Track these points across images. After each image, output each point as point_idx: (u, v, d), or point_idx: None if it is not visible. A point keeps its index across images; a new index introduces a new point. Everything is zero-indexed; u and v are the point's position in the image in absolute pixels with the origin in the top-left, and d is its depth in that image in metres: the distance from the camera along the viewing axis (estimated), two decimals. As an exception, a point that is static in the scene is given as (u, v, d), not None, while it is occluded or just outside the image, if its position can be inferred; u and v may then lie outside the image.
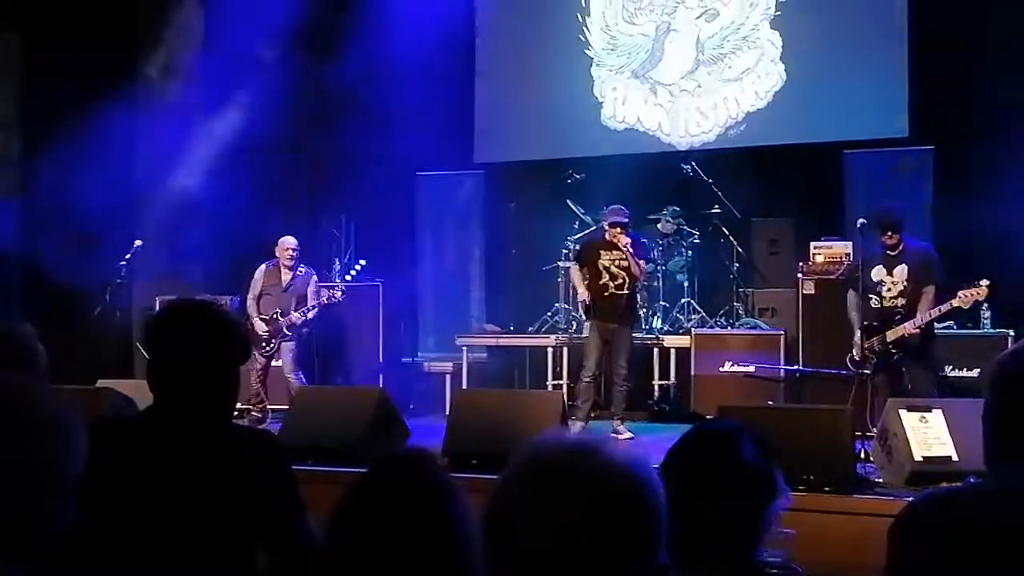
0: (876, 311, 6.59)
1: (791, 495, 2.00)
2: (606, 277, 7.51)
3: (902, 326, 6.47)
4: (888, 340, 6.51)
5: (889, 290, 6.60)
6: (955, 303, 6.36)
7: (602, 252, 7.56)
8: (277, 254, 8.23)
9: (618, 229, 7.47)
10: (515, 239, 10.04)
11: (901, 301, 6.57)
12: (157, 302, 8.64)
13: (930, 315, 6.44)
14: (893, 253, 6.64)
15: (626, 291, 7.51)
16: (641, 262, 7.55)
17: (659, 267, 9.18)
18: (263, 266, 8.29)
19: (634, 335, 7.85)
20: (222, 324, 2.39)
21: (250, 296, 8.23)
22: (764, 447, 1.94)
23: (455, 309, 10.36)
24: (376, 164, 9.57)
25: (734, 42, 9.92)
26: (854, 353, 6.63)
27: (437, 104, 9.54)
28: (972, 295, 6.30)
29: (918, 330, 6.44)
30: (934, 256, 6.71)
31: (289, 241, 8.23)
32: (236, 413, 8.12)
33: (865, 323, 6.62)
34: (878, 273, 6.64)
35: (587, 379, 7.50)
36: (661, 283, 9.20)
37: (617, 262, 7.50)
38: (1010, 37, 8.33)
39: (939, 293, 6.50)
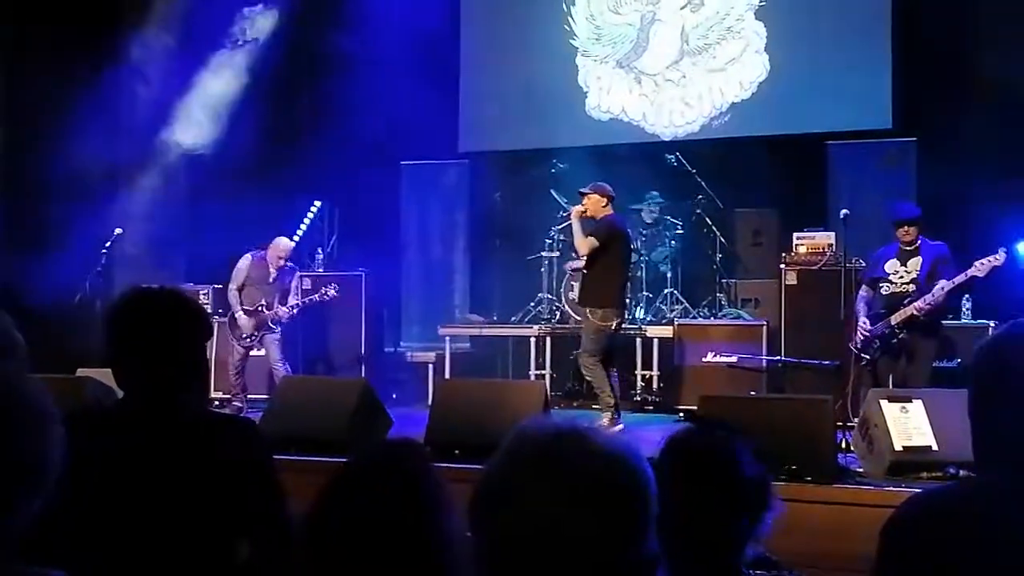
0: (885, 297, 6.58)
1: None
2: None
3: (913, 304, 6.42)
4: (893, 323, 6.52)
5: (901, 277, 6.56)
6: (971, 272, 6.30)
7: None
8: (269, 251, 8.13)
9: (583, 196, 7.30)
10: (499, 229, 10.03)
11: (912, 288, 6.52)
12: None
13: (944, 289, 6.36)
14: (909, 249, 6.63)
15: (584, 270, 7.31)
16: (589, 239, 7.10)
17: (642, 257, 9.20)
18: (248, 256, 8.18)
19: (603, 324, 7.10)
20: (183, 305, 2.37)
21: (232, 286, 8.14)
22: (759, 458, 1.93)
23: (438, 299, 10.35)
24: (360, 153, 9.53)
25: (719, 32, 9.93)
26: (858, 337, 6.63)
27: (422, 93, 9.50)
28: (989, 262, 6.24)
29: (929, 306, 6.37)
30: (949, 255, 6.65)
31: (284, 245, 8.16)
32: (216, 403, 8.19)
33: (871, 312, 6.63)
34: (891, 265, 6.63)
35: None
36: (644, 273, 9.21)
37: None
38: (993, 28, 8.37)
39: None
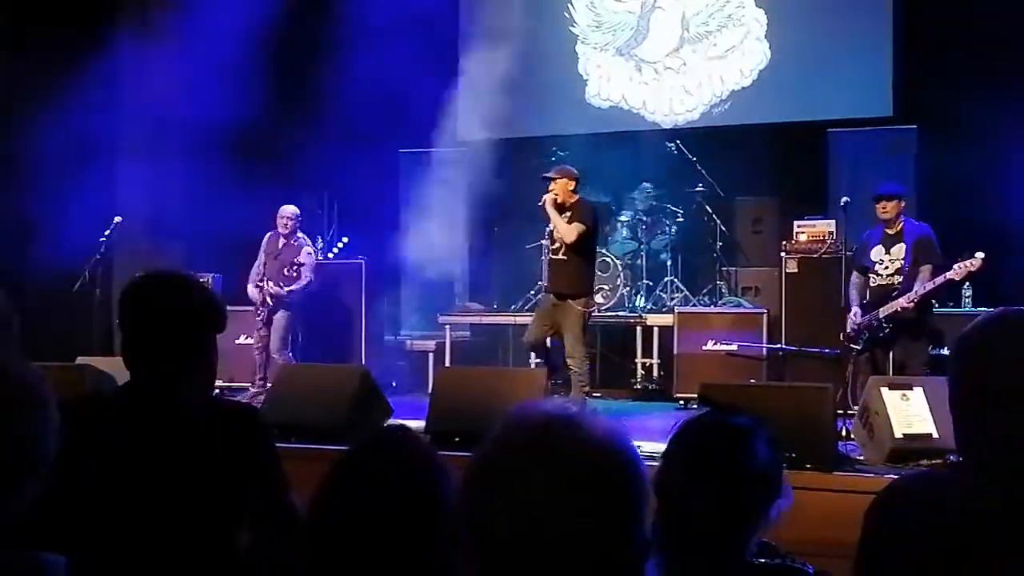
0: (873, 289, 6.61)
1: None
2: (550, 240, 7.28)
3: (896, 301, 6.47)
4: (881, 316, 6.52)
5: (887, 268, 6.60)
6: (949, 275, 6.34)
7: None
8: (277, 219, 8.26)
9: (550, 185, 7.12)
10: (498, 217, 10.01)
11: (898, 279, 6.56)
12: (137, 279, 8.58)
13: (924, 288, 6.42)
14: (892, 232, 6.63)
15: (562, 257, 7.05)
16: (574, 225, 6.92)
17: (642, 245, 9.20)
18: (268, 234, 8.32)
19: (590, 312, 7.14)
20: (194, 295, 2.36)
21: (256, 264, 8.24)
22: (775, 446, 1.92)
23: (438, 287, 10.33)
24: (359, 141, 9.50)
25: (719, 19, 9.90)
26: (848, 328, 6.66)
27: (420, 81, 9.47)
28: (966, 267, 6.28)
29: (911, 304, 6.42)
30: (932, 236, 6.68)
31: (287, 210, 8.25)
32: (217, 391, 8.18)
33: (863, 302, 6.64)
34: (877, 252, 6.65)
35: (526, 348, 7.35)
36: (644, 261, 9.21)
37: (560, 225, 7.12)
38: (995, 15, 8.33)
39: (936, 273, 6.47)
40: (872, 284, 6.65)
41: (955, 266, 6.33)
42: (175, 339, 2.28)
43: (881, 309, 6.52)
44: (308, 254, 8.23)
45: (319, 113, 9.86)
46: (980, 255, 6.28)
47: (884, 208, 6.59)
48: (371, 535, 1.46)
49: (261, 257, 8.24)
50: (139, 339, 2.30)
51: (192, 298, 2.34)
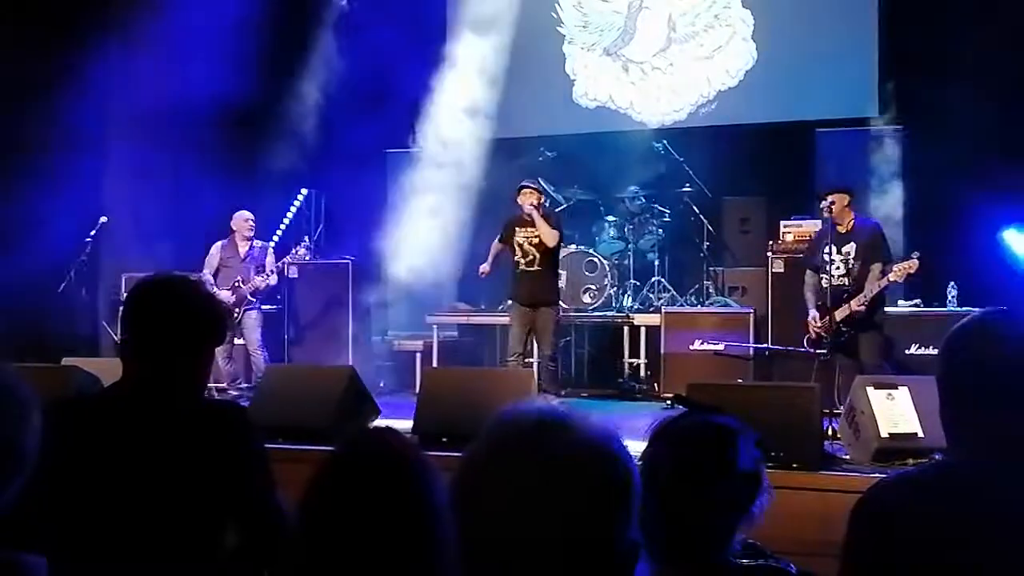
0: (827, 290, 6.64)
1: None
2: (519, 254, 7.46)
3: (848, 304, 6.52)
4: (837, 319, 6.57)
5: (838, 268, 6.64)
6: (891, 277, 6.44)
7: (517, 229, 7.50)
8: (235, 227, 8.28)
9: (526, 192, 7.40)
10: (487, 217, 10.00)
11: (847, 281, 6.62)
12: (123, 279, 8.57)
13: (871, 291, 6.49)
14: (842, 230, 6.67)
15: (537, 268, 7.38)
16: (554, 231, 7.35)
17: (629, 245, 9.22)
18: (218, 243, 8.32)
19: (560, 315, 7.61)
20: (198, 301, 2.36)
21: (206, 271, 8.22)
22: (758, 444, 1.91)
23: (425, 287, 10.31)
24: (347, 141, 9.49)
25: (706, 20, 9.92)
26: (810, 332, 6.72)
27: (407, 81, 9.46)
28: (905, 268, 6.38)
29: (863, 307, 6.50)
30: (880, 233, 6.74)
31: (246, 213, 8.28)
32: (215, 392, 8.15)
33: (819, 303, 6.68)
34: (829, 252, 6.68)
35: (514, 362, 7.47)
36: (632, 261, 9.23)
37: (530, 239, 7.41)
38: (980, 13, 8.36)
39: (886, 269, 6.54)
40: (825, 285, 6.68)
41: (894, 267, 6.44)
42: (171, 340, 2.28)
43: (836, 312, 6.57)
44: (273, 253, 8.30)
45: (305, 112, 9.84)
46: (916, 255, 6.39)
47: (830, 206, 6.60)
48: (357, 536, 1.46)
49: (214, 264, 8.22)
50: (137, 337, 2.30)
51: (194, 302, 2.35)
